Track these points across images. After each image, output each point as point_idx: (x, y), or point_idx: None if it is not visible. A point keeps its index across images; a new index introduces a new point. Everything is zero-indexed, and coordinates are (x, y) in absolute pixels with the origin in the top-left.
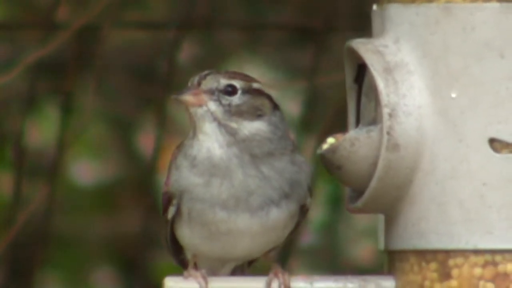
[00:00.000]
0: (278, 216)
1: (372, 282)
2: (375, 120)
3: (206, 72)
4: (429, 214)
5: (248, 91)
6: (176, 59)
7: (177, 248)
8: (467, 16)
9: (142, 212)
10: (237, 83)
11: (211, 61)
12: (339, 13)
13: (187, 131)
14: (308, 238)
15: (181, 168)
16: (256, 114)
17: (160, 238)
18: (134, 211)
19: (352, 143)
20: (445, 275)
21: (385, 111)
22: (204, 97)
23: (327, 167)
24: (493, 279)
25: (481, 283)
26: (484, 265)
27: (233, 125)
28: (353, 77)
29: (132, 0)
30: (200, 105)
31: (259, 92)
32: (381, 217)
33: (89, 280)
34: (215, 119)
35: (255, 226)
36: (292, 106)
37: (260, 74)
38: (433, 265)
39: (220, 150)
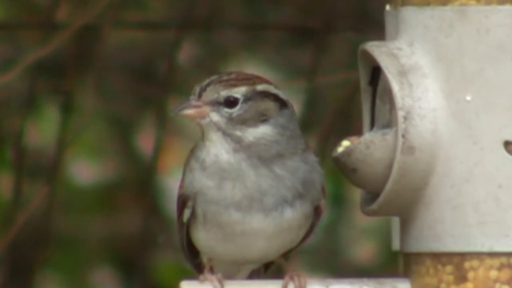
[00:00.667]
0: (293, 216)
1: (387, 285)
2: (390, 123)
3: (206, 82)
4: (445, 216)
5: (251, 97)
6: (176, 59)
7: (192, 252)
8: (481, 19)
9: (142, 212)
10: (238, 93)
11: (211, 61)
12: (339, 13)
13: (187, 131)
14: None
15: (194, 171)
16: (260, 119)
17: (159, 239)
18: (134, 211)
19: (367, 146)
20: (461, 278)
21: (400, 114)
22: (206, 109)
23: (342, 170)
24: (509, 282)
25: (497, 285)
26: (500, 267)
27: (237, 133)
28: (368, 79)
29: (132, 0)
30: (203, 117)
31: (264, 95)
32: (394, 219)
33: (89, 280)
34: (219, 129)
35: (269, 227)
36: None
37: (260, 74)
38: (449, 268)
39: (227, 155)
